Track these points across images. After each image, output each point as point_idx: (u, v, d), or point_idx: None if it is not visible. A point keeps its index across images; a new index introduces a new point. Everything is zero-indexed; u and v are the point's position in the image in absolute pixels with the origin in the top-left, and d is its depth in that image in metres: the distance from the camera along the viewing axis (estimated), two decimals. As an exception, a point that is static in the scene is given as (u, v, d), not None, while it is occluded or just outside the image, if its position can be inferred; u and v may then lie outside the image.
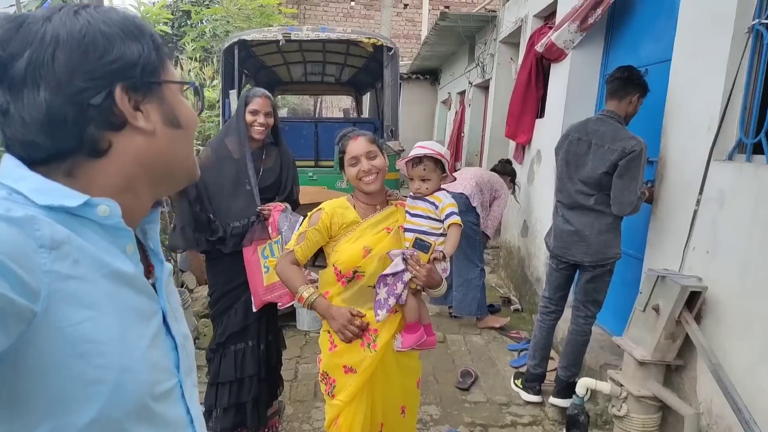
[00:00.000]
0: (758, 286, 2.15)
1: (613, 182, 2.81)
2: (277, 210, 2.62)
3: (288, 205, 2.70)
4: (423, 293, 2.02)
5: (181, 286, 4.91)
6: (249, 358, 2.67)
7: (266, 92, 2.68)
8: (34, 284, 0.54)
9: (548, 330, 3.32)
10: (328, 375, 2.01)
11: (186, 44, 11.86)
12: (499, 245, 6.02)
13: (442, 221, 1.96)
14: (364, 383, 1.92)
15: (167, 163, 0.74)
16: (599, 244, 2.95)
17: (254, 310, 2.64)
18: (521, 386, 3.34)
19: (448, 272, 1.96)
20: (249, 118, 2.58)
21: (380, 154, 1.98)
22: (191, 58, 11.78)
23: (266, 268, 2.62)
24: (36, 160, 0.65)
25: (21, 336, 0.53)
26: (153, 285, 0.75)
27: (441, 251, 1.91)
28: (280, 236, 2.65)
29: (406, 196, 2.08)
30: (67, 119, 0.64)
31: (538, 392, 3.31)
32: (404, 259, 1.88)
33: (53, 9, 0.66)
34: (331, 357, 1.99)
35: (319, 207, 2.01)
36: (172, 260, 5.06)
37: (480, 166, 6.15)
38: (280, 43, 5.42)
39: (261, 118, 2.58)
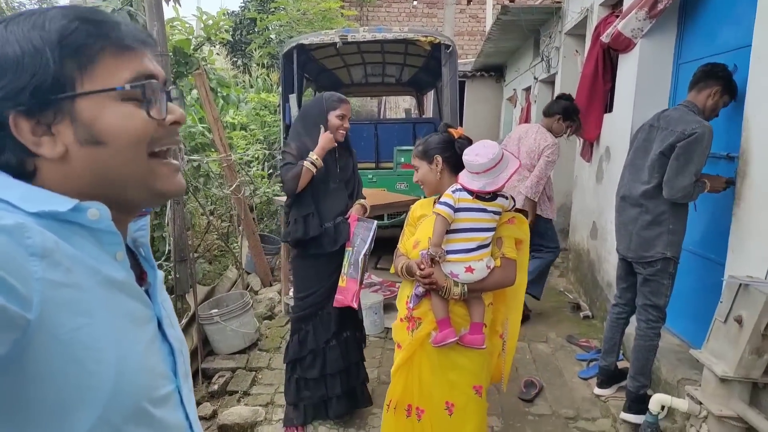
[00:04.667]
0: None
1: (669, 164, 2.71)
2: (354, 220, 2.78)
3: (366, 206, 2.89)
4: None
5: (246, 288, 5.03)
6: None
7: (345, 97, 2.84)
8: (26, 292, 0.54)
9: (611, 324, 3.25)
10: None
11: (253, 51, 12.23)
12: (568, 247, 5.76)
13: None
14: (405, 361, 2.11)
15: (109, 182, 0.68)
16: (640, 240, 2.88)
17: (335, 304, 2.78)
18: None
19: (459, 277, 2.01)
20: (336, 122, 2.72)
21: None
22: (258, 65, 12.15)
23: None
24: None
25: (16, 344, 0.53)
26: (147, 291, 0.75)
27: (423, 254, 2.01)
28: (351, 249, 2.77)
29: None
30: None
31: (601, 384, 3.28)
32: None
33: None
34: (394, 330, 2.26)
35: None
36: (239, 264, 5.19)
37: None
38: (338, 46, 5.46)
39: (346, 123, 2.75)
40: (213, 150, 5.16)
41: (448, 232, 2.02)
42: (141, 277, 0.77)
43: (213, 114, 4.46)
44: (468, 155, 2.01)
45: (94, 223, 0.65)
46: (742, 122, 2.73)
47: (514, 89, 10.22)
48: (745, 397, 2.34)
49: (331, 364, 2.87)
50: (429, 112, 9.90)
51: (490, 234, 2.05)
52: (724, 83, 2.80)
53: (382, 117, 13.47)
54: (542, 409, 3.17)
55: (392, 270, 2.25)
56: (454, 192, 2.04)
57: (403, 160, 5.60)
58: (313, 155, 2.65)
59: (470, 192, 2.02)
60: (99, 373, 0.60)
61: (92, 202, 0.65)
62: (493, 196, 2.04)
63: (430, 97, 9.48)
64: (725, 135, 3.04)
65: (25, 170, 0.65)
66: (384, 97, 13.67)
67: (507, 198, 2.09)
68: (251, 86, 11.18)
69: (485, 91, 12.25)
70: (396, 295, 4.54)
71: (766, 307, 2.17)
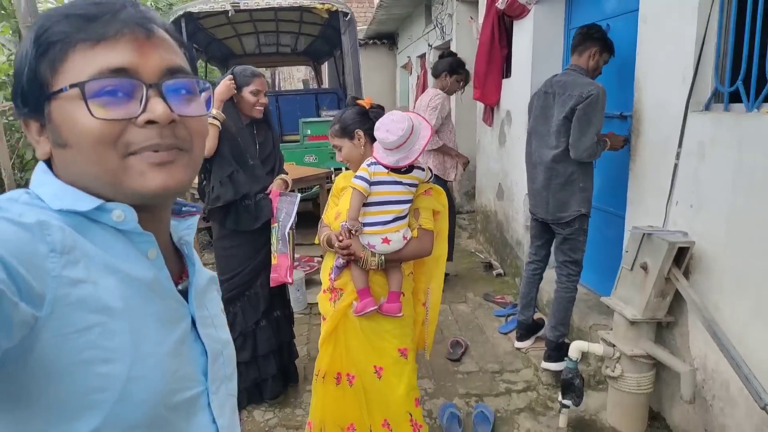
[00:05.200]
0: (746, 239, 2.13)
1: (571, 127, 2.88)
2: (275, 195, 2.72)
3: (288, 181, 2.82)
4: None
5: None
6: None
7: (258, 71, 2.77)
8: (40, 289, 0.53)
9: (528, 280, 3.42)
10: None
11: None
12: (475, 210, 5.99)
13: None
14: (330, 332, 2.14)
15: (82, 183, 0.65)
16: (555, 202, 3.06)
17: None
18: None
19: (376, 248, 2.04)
20: (251, 98, 2.64)
21: None
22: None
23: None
24: None
25: (24, 340, 0.52)
26: (185, 290, 0.74)
27: (344, 225, 2.03)
28: (277, 224, 2.72)
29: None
30: None
31: (520, 338, 3.48)
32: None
33: None
34: (319, 302, 2.26)
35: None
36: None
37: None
38: (230, 14, 5.20)
39: (263, 98, 2.67)
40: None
41: (365, 205, 2.05)
42: (181, 275, 0.76)
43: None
44: (379, 131, 2.00)
45: (120, 224, 0.64)
46: (633, 83, 2.94)
47: (408, 57, 10.30)
48: (651, 336, 2.58)
49: (263, 344, 2.82)
50: (325, 82, 9.73)
51: (407, 206, 2.08)
52: (601, 43, 3.02)
53: (277, 88, 13.06)
54: (469, 366, 3.32)
55: (316, 240, 2.27)
56: (369, 165, 2.05)
57: (309, 132, 5.48)
58: (212, 110, 2.54)
59: (385, 166, 2.04)
60: (107, 375, 0.58)
61: (117, 203, 0.64)
62: (409, 168, 2.06)
63: (325, 67, 9.31)
64: (617, 95, 3.26)
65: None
66: (278, 68, 13.25)
67: (423, 170, 2.12)
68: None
69: (379, 60, 12.25)
70: (316, 269, 4.54)
71: (668, 253, 2.38)
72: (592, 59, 3.02)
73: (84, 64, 0.61)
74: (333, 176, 5.32)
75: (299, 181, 4.43)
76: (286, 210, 2.73)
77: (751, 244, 2.11)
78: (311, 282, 4.31)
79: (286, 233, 2.72)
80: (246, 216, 2.68)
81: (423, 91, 8.78)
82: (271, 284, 2.74)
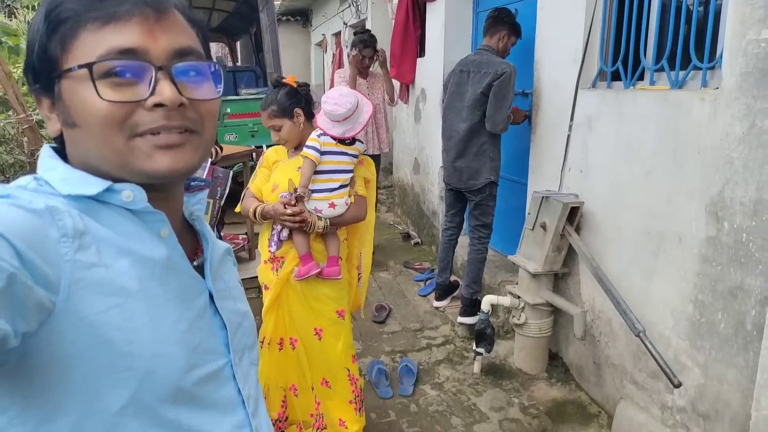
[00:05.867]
0: (624, 198, 2.50)
1: (489, 102, 3.17)
2: None
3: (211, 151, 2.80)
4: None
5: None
6: None
7: None
8: (54, 275, 0.53)
9: (445, 245, 3.73)
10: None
11: (19, -10, 10.38)
12: (393, 184, 6.25)
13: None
14: (274, 299, 2.28)
15: (90, 163, 0.65)
16: (470, 171, 3.37)
17: None
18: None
19: (323, 212, 2.18)
20: None
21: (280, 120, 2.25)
22: (28, 7, 10.41)
23: None
24: None
25: (43, 325, 0.53)
26: (201, 266, 0.74)
27: (284, 196, 2.14)
28: None
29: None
30: None
31: (438, 298, 3.81)
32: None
33: None
34: (259, 273, 2.37)
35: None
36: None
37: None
38: None
39: None
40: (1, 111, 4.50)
41: (315, 173, 2.20)
42: (195, 251, 0.76)
43: (4, 69, 3.89)
44: (327, 104, 2.15)
45: (130, 204, 0.64)
46: (533, 64, 3.26)
47: (323, 34, 10.33)
48: (550, 287, 2.95)
49: None
50: (239, 60, 9.58)
51: (350, 174, 2.27)
52: (509, 27, 3.34)
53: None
54: (393, 327, 3.59)
55: (238, 209, 2.36)
56: (319, 137, 2.20)
57: (229, 110, 5.47)
58: None
59: (333, 137, 2.20)
60: (131, 354, 0.59)
61: (126, 183, 0.64)
62: (352, 140, 2.26)
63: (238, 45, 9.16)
64: (520, 74, 3.54)
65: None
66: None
67: (362, 142, 2.34)
68: (23, 33, 9.62)
69: (292, 36, 12.16)
70: (241, 245, 4.61)
71: (562, 212, 2.73)
72: (502, 41, 3.32)
73: (93, 44, 0.60)
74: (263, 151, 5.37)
75: (224, 159, 4.46)
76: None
77: (627, 202, 2.48)
78: (237, 259, 4.40)
79: None
80: None
81: (340, 68, 8.90)
82: None
